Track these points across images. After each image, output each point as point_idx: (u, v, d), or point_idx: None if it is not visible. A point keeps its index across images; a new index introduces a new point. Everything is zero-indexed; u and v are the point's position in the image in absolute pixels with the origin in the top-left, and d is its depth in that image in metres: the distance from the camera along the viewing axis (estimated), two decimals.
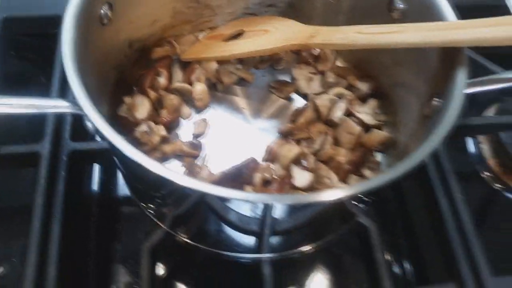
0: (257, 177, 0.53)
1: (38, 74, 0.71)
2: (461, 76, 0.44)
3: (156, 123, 0.57)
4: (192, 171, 0.55)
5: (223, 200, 0.42)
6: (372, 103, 0.60)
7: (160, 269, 0.57)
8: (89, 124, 0.42)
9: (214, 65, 0.62)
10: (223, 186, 0.36)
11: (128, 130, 0.56)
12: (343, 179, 0.54)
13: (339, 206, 0.48)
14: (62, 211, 0.52)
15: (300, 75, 0.64)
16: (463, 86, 0.43)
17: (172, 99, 0.59)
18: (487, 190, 0.68)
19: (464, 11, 0.48)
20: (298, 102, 0.63)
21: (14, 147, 0.56)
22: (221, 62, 0.63)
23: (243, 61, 0.65)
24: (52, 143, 0.56)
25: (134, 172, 0.50)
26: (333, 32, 0.53)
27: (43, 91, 0.62)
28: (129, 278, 0.57)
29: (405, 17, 0.53)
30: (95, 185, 0.63)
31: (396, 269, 0.61)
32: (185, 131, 0.59)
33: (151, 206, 0.54)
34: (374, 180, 0.39)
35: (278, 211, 0.45)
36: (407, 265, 0.61)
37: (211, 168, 0.55)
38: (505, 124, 0.67)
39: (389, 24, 0.50)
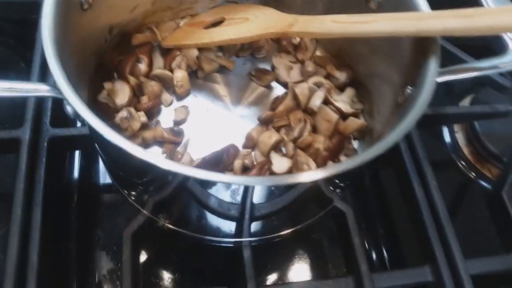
0: (237, 163, 0.54)
1: (18, 60, 0.71)
2: (433, 64, 0.45)
3: (137, 109, 0.56)
4: (172, 158, 0.55)
5: (204, 184, 0.42)
6: (349, 92, 0.62)
7: (142, 255, 0.58)
8: (69, 109, 0.42)
9: (194, 52, 0.62)
10: None
11: (108, 116, 0.55)
12: (321, 165, 0.55)
13: (316, 190, 0.49)
14: (43, 198, 0.52)
15: (280, 63, 0.64)
16: (434, 75, 0.44)
17: (152, 86, 0.58)
18: (461, 177, 0.70)
19: (437, 3, 0.49)
20: (278, 90, 0.63)
21: None
22: (202, 49, 0.63)
23: (223, 48, 0.65)
24: (32, 129, 0.55)
25: (115, 157, 0.50)
26: (311, 21, 0.53)
27: (23, 77, 0.62)
28: (111, 264, 0.57)
29: (382, 8, 0.54)
30: (76, 171, 0.63)
31: (373, 253, 0.63)
32: (166, 118, 0.59)
33: (132, 192, 0.54)
34: (348, 162, 0.41)
35: (257, 196, 0.45)
36: (383, 249, 0.63)
37: (192, 155, 0.55)
38: (479, 113, 0.70)
39: (365, 13, 0.51)
